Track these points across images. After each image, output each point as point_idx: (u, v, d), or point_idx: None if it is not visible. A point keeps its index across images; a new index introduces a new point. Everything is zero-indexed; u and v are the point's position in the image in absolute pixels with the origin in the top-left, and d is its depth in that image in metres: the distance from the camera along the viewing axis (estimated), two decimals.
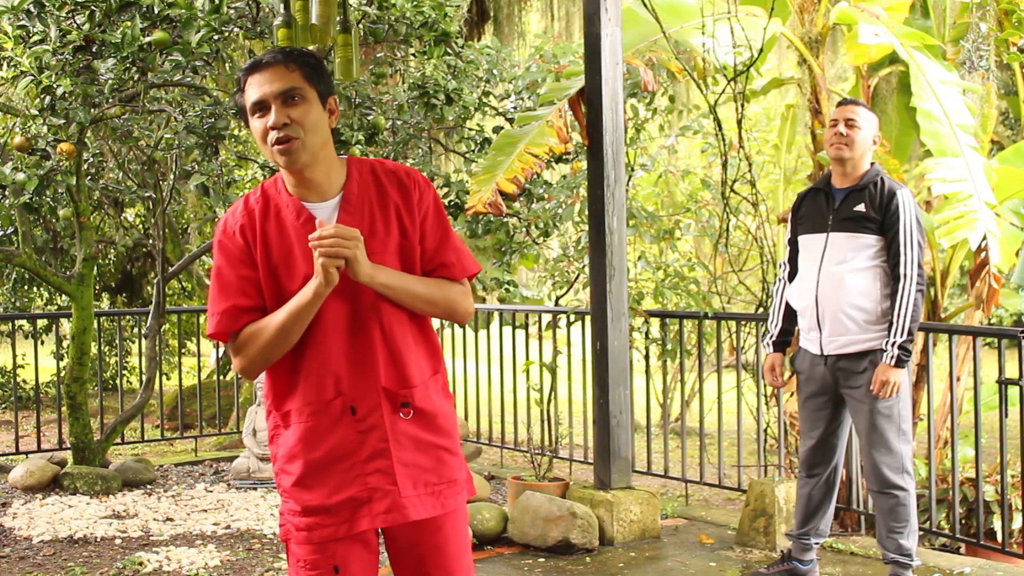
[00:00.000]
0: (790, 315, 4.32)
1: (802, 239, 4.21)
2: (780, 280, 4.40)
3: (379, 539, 2.39)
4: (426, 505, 2.30)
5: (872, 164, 4.11)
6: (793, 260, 4.30)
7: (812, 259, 4.12)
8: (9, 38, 5.40)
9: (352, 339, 2.27)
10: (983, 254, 5.48)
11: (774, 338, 4.39)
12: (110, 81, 5.34)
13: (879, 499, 4.06)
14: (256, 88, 2.25)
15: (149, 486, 6.24)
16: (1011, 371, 4.63)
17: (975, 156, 5.50)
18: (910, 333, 3.88)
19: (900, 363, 3.88)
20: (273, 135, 2.22)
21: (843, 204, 4.06)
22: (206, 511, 5.60)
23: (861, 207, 3.99)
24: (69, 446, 6.42)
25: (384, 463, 2.27)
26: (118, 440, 6.85)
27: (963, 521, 5.31)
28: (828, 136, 4.11)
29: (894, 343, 3.88)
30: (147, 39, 5.12)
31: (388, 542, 2.39)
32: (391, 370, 2.29)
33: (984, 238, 5.31)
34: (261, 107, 2.25)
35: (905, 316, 3.88)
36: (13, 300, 10.23)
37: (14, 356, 7.46)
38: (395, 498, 2.27)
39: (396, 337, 2.30)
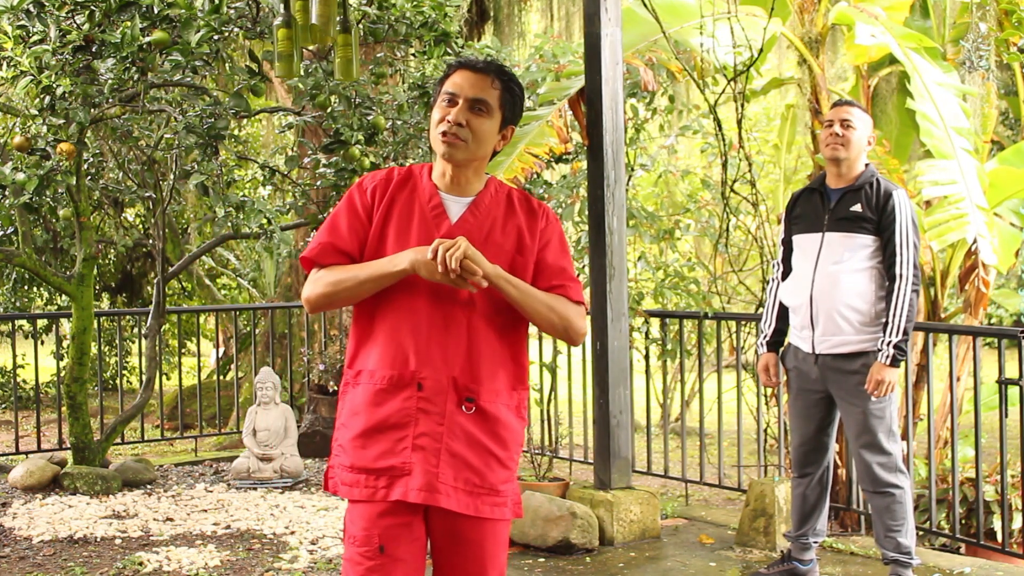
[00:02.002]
0: (783, 315, 4.32)
1: (797, 239, 4.21)
2: (773, 280, 4.41)
3: (425, 526, 2.45)
4: (461, 500, 2.38)
5: (867, 165, 4.11)
6: (787, 260, 4.31)
7: (807, 258, 4.12)
8: (9, 38, 5.39)
9: (439, 324, 2.39)
10: (973, 257, 5.49)
11: (767, 338, 4.39)
12: (110, 81, 5.34)
13: (875, 499, 4.06)
14: (457, 82, 2.44)
15: (149, 486, 6.24)
16: (1011, 371, 4.64)
17: (968, 159, 5.51)
18: (905, 333, 3.88)
19: (895, 362, 3.88)
20: (445, 126, 2.41)
21: (839, 204, 4.06)
22: (206, 511, 5.60)
23: (857, 207, 4.00)
24: (69, 446, 6.42)
25: (433, 445, 2.37)
26: (118, 440, 6.85)
27: (963, 521, 5.31)
28: (823, 136, 4.12)
29: (889, 342, 3.88)
30: (147, 39, 5.12)
31: (430, 531, 2.46)
32: (466, 363, 2.40)
33: (975, 241, 5.31)
34: (451, 99, 2.43)
35: (900, 316, 3.88)
36: (13, 300, 10.24)
37: (14, 356, 7.45)
38: (432, 480, 2.36)
39: (480, 336, 2.41)
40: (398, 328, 2.40)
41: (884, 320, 3.92)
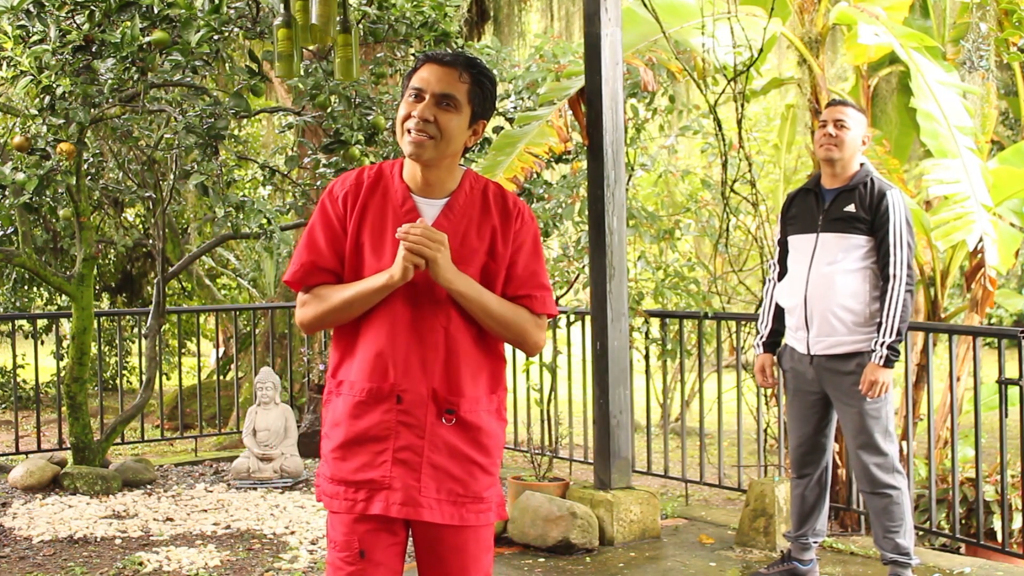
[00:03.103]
0: (780, 315, 4.31)
1: (792, 239, 4.20)
2: (770, 281, 4.40)
3: (407, 530, 2.44)
4: (445, 511, 2.36)
5: (862, 164, 4.10)
6: (783, 260, 4.30)
7: (802, 259, 4.11)
8: (9, 38, 5.40)
9: (416, 334, 2.36)
10: (979, 256, 5.48)
11: (764, 339, 4.38)
12: (110, 81, 5.34)
13: (872, 500, 4.05)
14: (424, 77, 2.36)
15: (149, 486, 6.24)
16: (1011, 371, 4.63)
17: (972, 158, 5.50)
18: (899, 334, 3.88)
19: (888, 363, 3.87)
20: (412, 123, 2.34)
21: (833, 204, 4.05)
22: (206, 511, 5.60)
23: (851, 207, 3.99)
24: (69, 446, 6.42)
25: (414, 459, 2.35)
26: (118, 440, 6.85)
27: (963, 521, 5.31)
28: (817, 137, 4.12)
29: (883, 343, 3.87)
30: (147, 39, 5.12)
31: (414, 536, 2.45)
32: (445, 374, 2.37)
33: (980, 240, 5.31)
34: (418, 95, 2.36)
35: (894, 317, 3.88)
36: (13, 300, 10.24)
37: (14, 356, 7.45)
38: (414, 494, 2.34)
39: (458, 345, 2.38)
40: (377, 339, 2.36)
41: (878, 321, 3.92)
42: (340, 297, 2.37)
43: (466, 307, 2.36)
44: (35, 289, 10.68)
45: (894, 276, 3.89)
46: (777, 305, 4.31)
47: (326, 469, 2.42)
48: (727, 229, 5.99)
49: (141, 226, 10.37)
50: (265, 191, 9.49)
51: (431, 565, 2.44)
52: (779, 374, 4.63)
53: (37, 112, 5.47)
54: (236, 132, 9.10)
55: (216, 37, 5.24)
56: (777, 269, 4.34)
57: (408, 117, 2.35)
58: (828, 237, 4.03)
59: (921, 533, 4.96)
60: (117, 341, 9.04)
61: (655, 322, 6.25)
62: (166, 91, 6.23)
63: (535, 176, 5.99)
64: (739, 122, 5.72)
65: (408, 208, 2.39)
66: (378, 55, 6.36)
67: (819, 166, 6.00)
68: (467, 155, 7.28)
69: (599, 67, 4.96)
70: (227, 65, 5.68)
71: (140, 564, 4.59)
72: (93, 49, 5.32)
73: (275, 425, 6.34)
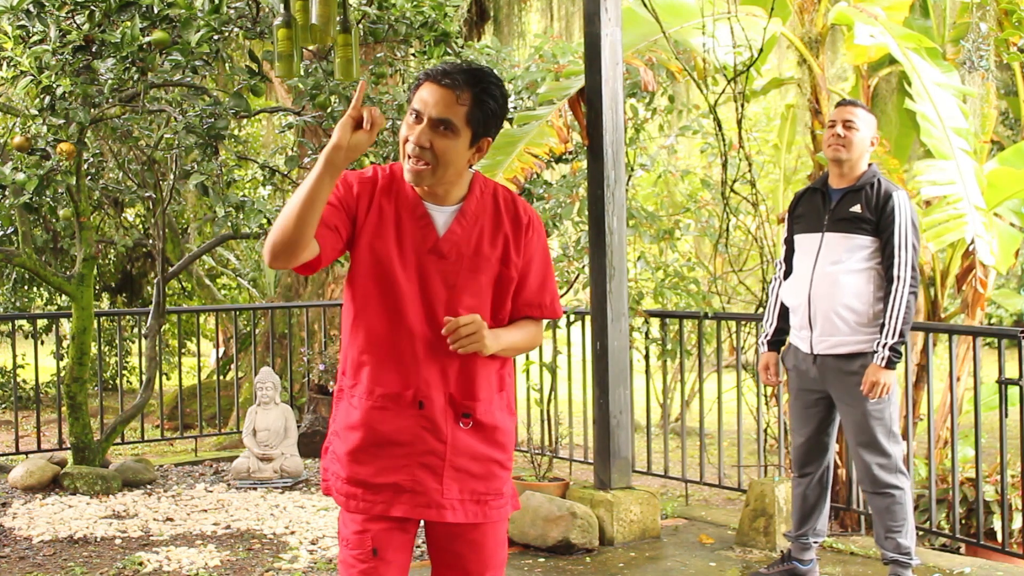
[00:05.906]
0: (785, 314, 4.31)
1: (798, 238, 4.21)
2: (776, 279, 4.40)
3: (418, 528, 2.47)
4: (468, 511, 2.40)
5: (870, 165, 4.11)
6: (789, 259, 4.30)
7: (807, 258, 4.12)
8: (9, 38, 5.40)
9: (434, 341, 2.36)
10: (971, 258, 5.48)
11: (769, 337, 4.38)
12: (110, 81, 5.34)
13: (874, 500, 4.05)
14: (423, 98, 2.32)
15: (149, 486, 6.24)
16: (1011, 371, 4.64)
17: (966, 159, 5.50)
18: (901, 335, 3.88)
19: (891, 364, 3.88)
20: (410, 148, 2.32)
21: (839, 205, 4.06)
22: (206, 511, 5.60)
23: (857, 208, 3.99)
24: (69, 446, 6.42)
25: (436, 462, 2.37)
26: (118, 440, 6.85)
27: (963, 521, 5.31)
28: (826, 137, 4.11)
29: (885, 344, 3.87)
30: (147, 39, 5.12)
31: (428, 533, 2.48)
32: (460, 379, 2.39)
33: (972, 242, 5.31)
34: (418, 116, 2.33)
35: (897, 318, 3.88)
36: (13, 300, 10.24)
37: (14, 356, 7.45)
38: (436, 497, 2.37)
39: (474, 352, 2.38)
40: (395, 345, 2.37)
41: (881, 322, 3.92)
42: (290, 199, 2.24)
43: (501, 355, 2.42)
44: (35, 289, 10.68)
45: (898, 278, 3.89)
46: (782, 304, 4.32)
47: (340, 469, 2.41)
48: (727, 229, 5.99)
49: (141, 226, 10.37)
50: (265, 191, 9.49)
51: (448, 562, 2.46)
52: (782, 373, 4.63)
53: (37, 112, 5.47)
54: (236, 132, 9.10)
55: (216, 37, 5.24)
56: (783, 267, 4.34)
57: (407, 140, 2.34)
58: (833, 237, 4.03)
59: (921, 533, 4.96)
60: (117, 341, 9.04)
61: (655, 322, 6.25)
62: (166, 91, 6.22)
63: (535, 176, 5.99)
64: (739, 122, 5.73)
65: (421, 213, 2.39)
66: (378, 55, 6.36)
67: (820, 166, 6.03)
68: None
69: (599, 67, 4.95)
70: (227, 65, 5.68)
71: (140, 564, 4.59)
72: (93, 49, 5.32)
73: (275, 425, 6.34)
